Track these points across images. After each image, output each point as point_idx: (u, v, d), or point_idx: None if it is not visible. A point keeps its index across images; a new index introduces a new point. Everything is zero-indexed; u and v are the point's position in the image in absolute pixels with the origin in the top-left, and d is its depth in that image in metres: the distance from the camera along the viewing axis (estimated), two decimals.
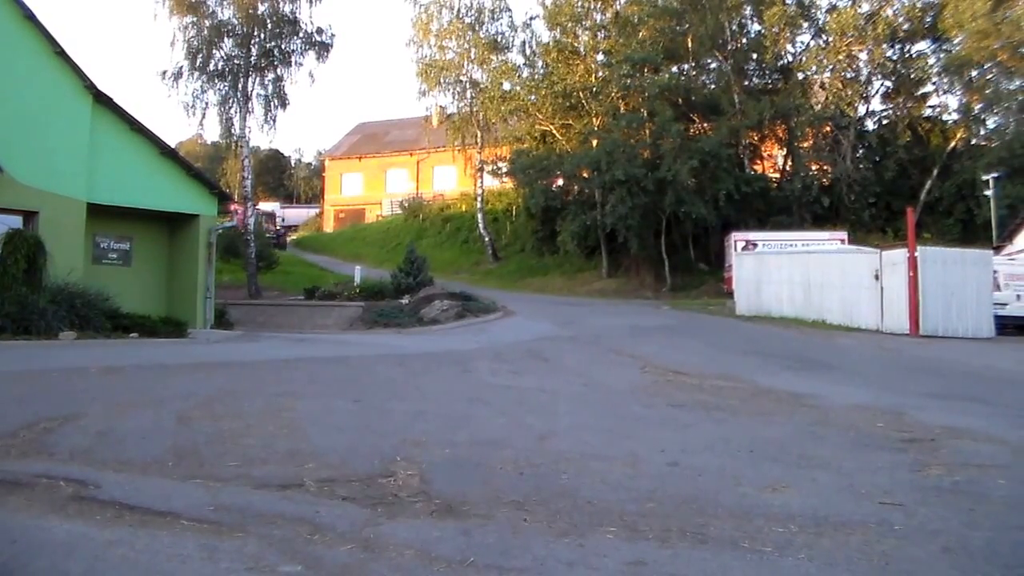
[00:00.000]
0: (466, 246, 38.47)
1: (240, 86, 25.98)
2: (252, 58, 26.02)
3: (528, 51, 34.28)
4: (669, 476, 4.83)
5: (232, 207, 27.95)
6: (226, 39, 25.86)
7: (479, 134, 35.32)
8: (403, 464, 4.88)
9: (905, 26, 29.14)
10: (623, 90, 29.44)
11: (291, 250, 39.84)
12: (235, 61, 25.97)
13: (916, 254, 16.50)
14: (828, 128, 29.96)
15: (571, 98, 31.07)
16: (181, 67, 25.74)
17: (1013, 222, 24.58)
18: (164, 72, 27.34)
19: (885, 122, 31.87)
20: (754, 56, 31.64)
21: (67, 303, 12.50)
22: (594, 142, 29.51)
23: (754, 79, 32.73)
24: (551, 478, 4.67)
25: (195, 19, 25.47)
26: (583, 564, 3.26)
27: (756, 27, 31.69)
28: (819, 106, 29.67)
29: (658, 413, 7.38)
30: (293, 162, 74.43)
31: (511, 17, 42.54)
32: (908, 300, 16.43)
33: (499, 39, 34.85)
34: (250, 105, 26.30)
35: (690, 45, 30.26)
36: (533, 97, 32.20)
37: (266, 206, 45.90)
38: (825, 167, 30.64)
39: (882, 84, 31.65)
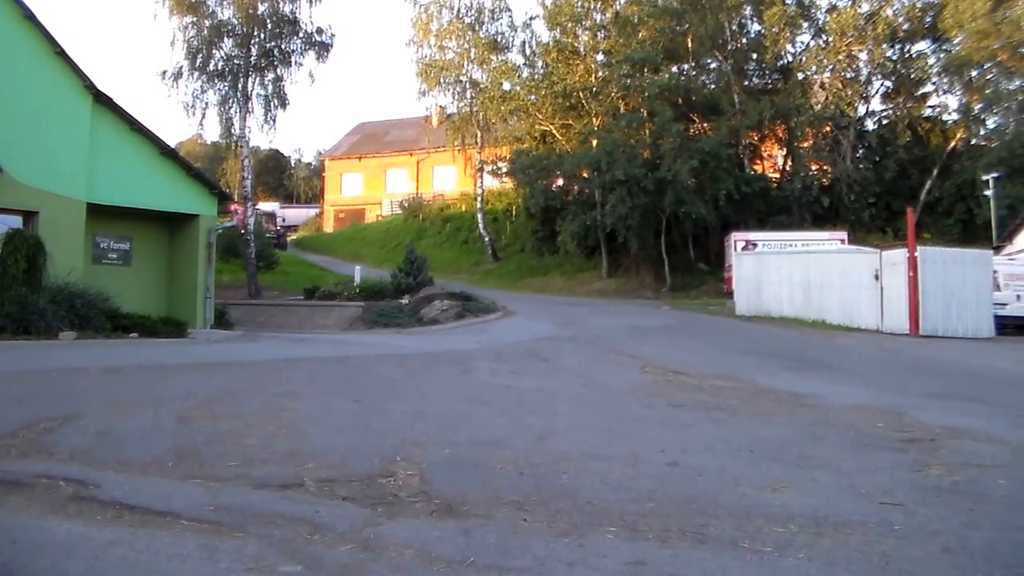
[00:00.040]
0: (466, 246, 38.47)
1: (240, 86, 25.99)
2: (252, 58, 26.03)
3: (528, 51, 34.33)
4: (669, 476, 4.83)
5: (232, 207, 27.96)
6: (226, 39, 25.87)
7: (479, 134, 35.32)
8: (403, 464, 4.88)
9: (905, 26, 29.14)
10: (623, 90, 29.44)
11: (291, 250, 39.85)
12: (235, 61, 25.98)
13: (916, 254, 16.50)
14: (828, 128, 29.96)
15: (571, 98, 31.08)
16: (181, 67, 25.78)
17: (1013, 222, 24.58)
18: (164, 72, 27.39)
19: (885, 122, 31.88)
20: (754, 56, 31.64)
21: (67, 303, 12.50)
22: (594, 142, 29.51)
23: (754, 79, 32.73)
24: (551, 478, 4.67)
25: (195, 19, 25.48)
26: (583, 564, 3.26)
27: (756, 27, 31.72)
28: (819, 106, 29.67)
29: (658, 413, 7.38)
30: (293, 162, 74.49)
31: (511, 17, 42.63)
32: (908, 300, 16.43)
33: (499, 39, 34.87)
34: (250, 105, 26.33)
35: (690, 45, 30.26)
36: (533, 97, 32.20)
37: (266, 206, 45.90)
38: (825, 167, 30.64)
39: (882, 84, 31.68)
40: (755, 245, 24.96)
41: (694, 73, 32.66)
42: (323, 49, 27.48)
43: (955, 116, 30.62)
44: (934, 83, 30.46)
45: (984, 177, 26.20)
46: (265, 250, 29.91)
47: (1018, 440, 6.22)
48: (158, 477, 4.47)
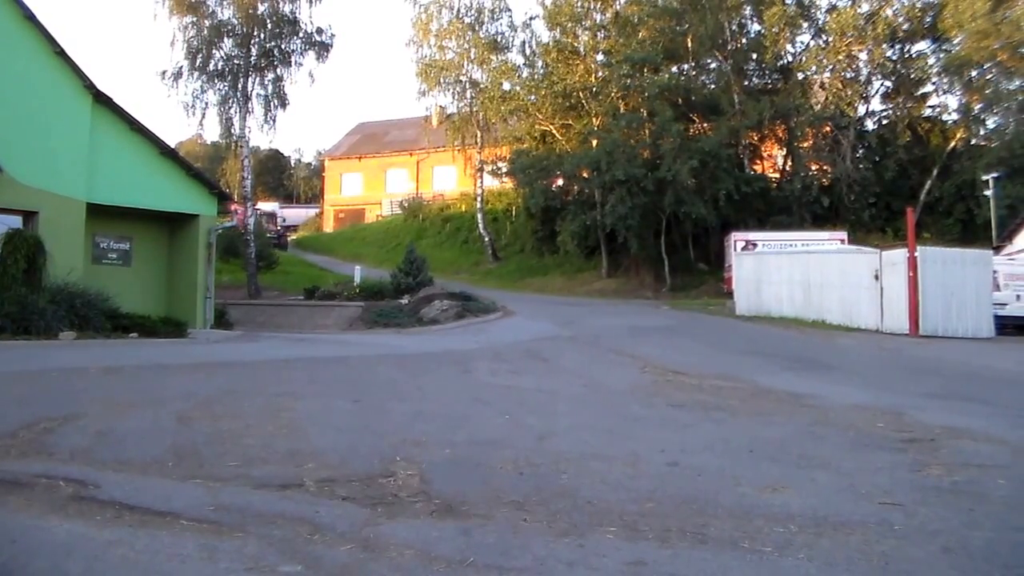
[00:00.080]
0: (466, 246, 38.48)
1: (240, 86, 26.00)
2: (252, 58, 26.04)
3: (528, 51, 34.34)
4: (669, 476, 4.83)
5: (232, 207, 27.97)
6: (226, 39, 25.88)
7: (479, 134, 35.32)
8: (403, 464, 4.88)
9: (905, 26, 29.14)
10: (623, 90, 29.45)
11: (291, 250, 39.85)
12: (235, 61, 25.99)
13: (916, 254, 16.50)
14: (828, 128, 29.96)
15: (571, 98, 31.09)
16: (181, 67, 25.80)
17: (1013, 222, 24.58)
18: (164, 72, 27.40)
19: (885, 122, 31.88)
20: (754, 56, 31.64)
21: (67, 303, 12.50)
22: (594, 142, 29.51)
23: (754, 79, 32.73)
24: (551, 478, 4.67)
25: (195, 19, 25.49)
26: (583, 564, 3.26)
27: (756, 27, 31.72)
28: (819, 106, 29.66)
29: (658, 413, 7.38)
30: (293, 162, 74.49)
31: (511, 17, 42.66)
32: (908, 300, 16.43)
33: (499, 39, 34.88)
34: (250, 105, 26.35)
35: (690, 45, 30.25)
36: (533, 97, 32.21)
37: (266, 206, 45.91)
38: (825, 167, 30.64)
39: (882, 84, 31.69)
40: (755, 245, 24.96)
41: (694, 73, 32.66)
42: (323, 49, 27.50)
43: (955, 116, 30.66)
44: (934, 83, 30.49)
45: (984, 177, 26.21)
46: (265, 250, 29.91)
47: (1018, 440, 6.22)
48: (158, 477, 4.47)
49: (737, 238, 25.81)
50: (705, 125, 30.62)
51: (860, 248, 20.97)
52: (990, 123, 29.37)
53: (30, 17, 14.10)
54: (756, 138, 31.86)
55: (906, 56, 30.44)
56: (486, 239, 36.28)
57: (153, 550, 3.26)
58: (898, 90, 31.00)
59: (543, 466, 4.95)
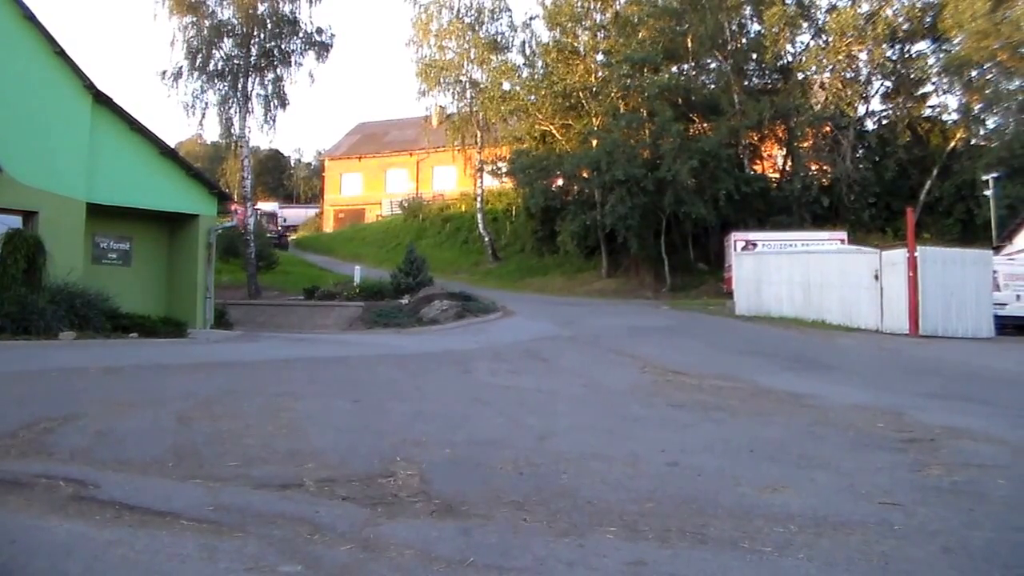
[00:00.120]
0: (466, 246, 38.48)
1: (240, 86, 26.01)
2: (252, 58, 26.05)
3: (528, 51, 34.37)
4: (669, 476, 4.83)
5: (232, 207, 27.98)
6: (226, 39, 25.90)
7: (479, 134, 35.33)
8: (403, 464, 4.88)
9: (905, 26, 29.15)
10: (623, 90, 29.46)
11: (291, 250, 39.90)
12: (235, 61, 26.00)
13: (916, 254, 16.50)
14: (828, 128, 29.97)
15: (571, 98, 31.10)
16: (181, 67, 25.82)
17: (1013, 222, 24.58)
18: (164, 72, 27.42)
19: (885, 122, 31.89)
20: (754, 56, 31.65)
21: (67, 303, 12.50)
22: (594, 142, 29.52)
23: (754, 79, 32.74)
24: (551, 478, 4.67)
25: (195, 19, 25.50)
26: (583, 564, 3.26)
27: (756, 27, 31.74)
28: (819, 106, 29.67)
29: (658, 413, 7.38)
30: (293, 162, 74.50)
31: (511, 17, 42.69)
32: (908, 300, 16.43)
33: (499, 39, 34.90)
34: (250, 105, 26.37)
35: (690, 45, 30.26)
36: (533, 97, 32.23)
37: (266, 206, 45.93)
38: (825, 167, 30.65)
39: (882, 84, 31.70)
40: (755, 245, 24.96)
41: (694, 73, 32.67)
42: (323, 49, 27.52)
43: (955, 116, 30.68)
44: (934, 83, 30.51)
45: (984, 177, 26.21)
46: (265, 250, 29.93)
47: (1018, 440, 6.22)
48: (158, 477, 4.47)
49: (737, 238, 25.82)
50: (705, 125, 30.63)
51: (860, 248, 20.97)
52: (990, 123, 29.42)
53: (30, 17, 14.11)
54: (756, 138, 31.88)
55: (906, 56, 30.45)
56: (486, 239, 36.28)
57: (153, 550, 3.26)
58: (898, 90, 31.01)
59: (543, 466, 4.95)
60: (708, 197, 27.56)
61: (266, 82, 26.63)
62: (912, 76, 30.12)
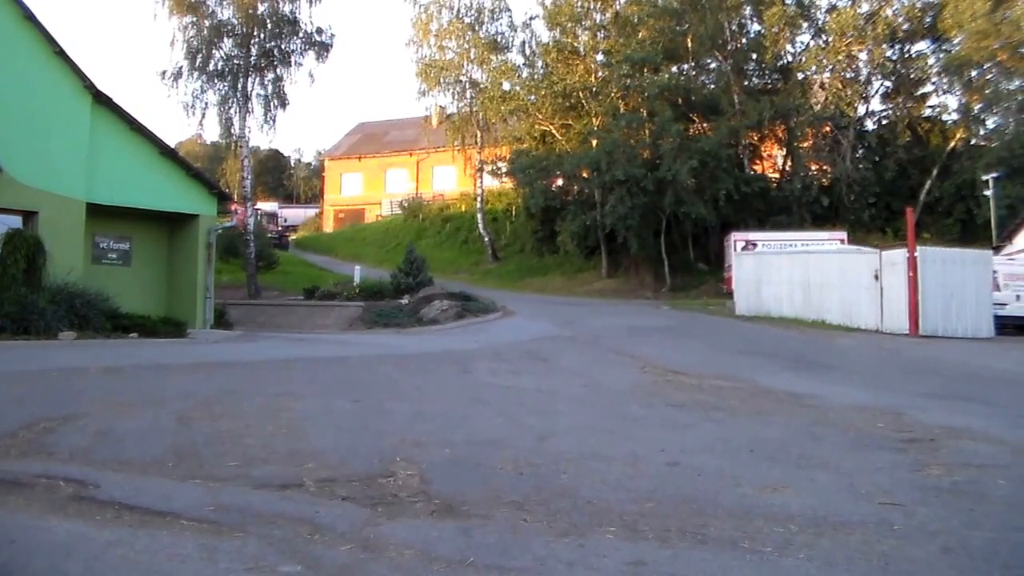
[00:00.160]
0: (466, 246, 38.48)
1: (240, 86, 26.01)
2: (252, 58, 26.05)
3: (528, 51, 34.38)
4: (669, 476, 4.83)
5: (232, 207, 27.98)
6: (226, 39, 25.91)
7: (479, 134, 35.33)
8: (403, 464, 4.87)
9: (905, 26, 29.16)
10: (623, 90, 29.46)
11: (291, 250, 39.91)
12: (235, 61, 26.00)
13: (916, 254, 16.51)
14: (828, 128, 29.98)
15: (571, 98, 31.10)
16: (181, 67, 25.83)
17: (1013, 222, 24.59)
18: (164, 72, 27.45)
19: (885, 122, 31.91)
20: (754, 56, 31.66)
21: (67, 303, 12.50)
22: (594, 142, 29.52)
23: (754, 79, 32.74)
24: (551, 478, 4.67)
25: (195, 19, 25.50)
26: (583, 564, 3.26)
27: (756, 27, 31.76)
28: (819, 106, 29.68)
29: (658, 413, 7.38)
30: (293, 162, 74.48)
31: (511, 17, 42.66)
32: (908, 300, 16.43)
33: (499, 39, 34.90)
34: (250, 105, 26.38)
35: (690, 45, 30.27)
36: (533, 97, 32.22)
37: (266, 206, 45.93)
38: (825, 167, 30.66)
39: (882, 84, 31.71)
40: (755, 245, 24.96)
41: (694, 73, 32.69)
42: (323, 49, 27.53)
43: (955, 116, 30.69)
44: (934, 83, 30.54)
45: (984, 177, 26.22)
46: (265, 250, 29.94)
47: (1018, 440, 6.22)
48: (158, 477, 4.47)
49: (737, 238, 25.82)
50: (705, 125, 30.64)
51: (860, 248, 20.97)
52: (990, 123, 29.45)
53: (30, 17, 14.11)
54: (756, 138, 31.88)
55: (906, 56, 30.47)
56: (486, 239, 36.28)
57: (153, 550, 3.26)
58: (898, 90, 31.02)
59: (543, 466, 4.95)
60: (708, 197, 27.57)
61: (266, 82, 26.66)
62: (912, 76, 30.14)
